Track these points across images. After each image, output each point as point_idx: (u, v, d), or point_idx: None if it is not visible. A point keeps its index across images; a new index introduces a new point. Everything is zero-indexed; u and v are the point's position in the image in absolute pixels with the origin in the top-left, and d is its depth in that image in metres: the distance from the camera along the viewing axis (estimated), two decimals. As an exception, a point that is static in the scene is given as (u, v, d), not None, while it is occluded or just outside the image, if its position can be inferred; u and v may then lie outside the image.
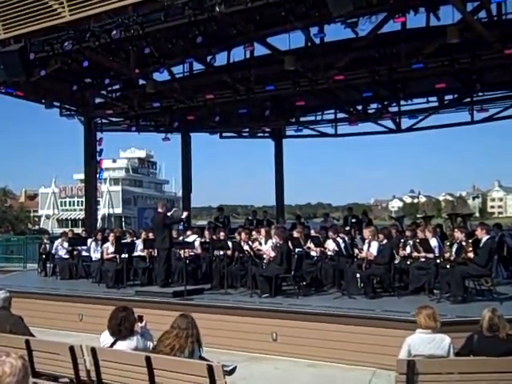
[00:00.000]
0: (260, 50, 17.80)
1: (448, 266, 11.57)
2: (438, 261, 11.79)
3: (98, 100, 22.22)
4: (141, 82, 20.16)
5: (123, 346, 6.30)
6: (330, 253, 13.91)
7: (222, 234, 15.41)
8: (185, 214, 16.02)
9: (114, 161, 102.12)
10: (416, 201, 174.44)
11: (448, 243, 12.19)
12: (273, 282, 12.62)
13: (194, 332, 5.96)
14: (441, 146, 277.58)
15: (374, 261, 12.46)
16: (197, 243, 15.11)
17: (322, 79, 17.16)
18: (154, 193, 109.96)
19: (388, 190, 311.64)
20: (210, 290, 13.74)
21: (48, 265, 18.21)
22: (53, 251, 17.61)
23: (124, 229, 34.49)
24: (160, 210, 14.33)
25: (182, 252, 13.95)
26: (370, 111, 23.32)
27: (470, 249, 11.39)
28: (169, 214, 14.48)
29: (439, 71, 16.91)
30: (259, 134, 28.32)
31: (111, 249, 15.50)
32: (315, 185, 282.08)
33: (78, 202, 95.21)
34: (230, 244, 14.20)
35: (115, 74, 19.83)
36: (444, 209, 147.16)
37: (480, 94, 21.27)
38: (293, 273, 12.70)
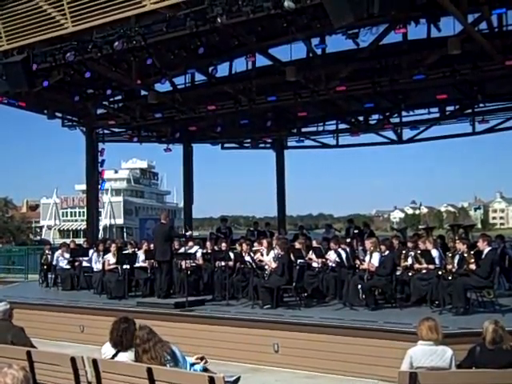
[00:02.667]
0: (261, 61, 17.91)
1: (450, 278, 11.52)
2: (440, 272, 11.75)
3: (99, 111, 22.26)
4: (143, 92, 20.23)
5: (125, 357, 6.27)
6: (331, 264, 13.87)
7: (223, 244, 15.41)
8: (188, 233, 16.24)
9: (116, 171, 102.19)
10: (417, 212, 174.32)
11: (450, 254, 12.15)
12: (274, 293, 12.57)
13: (157, 338, 5.95)
14: (442, 156, 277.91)
15: (375, 272, 12.41)
16: (198, 254, 15.09)
17: (324, 90, 17.22)
18: (156, 203, 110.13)
19: (389, 201, 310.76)
20: (212, 301, 13.71)
21: (49, 276, 18.19)
22: (54, 262, 17.58)
23: (125, 239, 34.47)
24: (163, 221, 14.38)
25: (183, 263, 13.94)
26: (371, 122, 23.32)
27: (472, 260, 11.34)
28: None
29: (440, 82, 16.96)
30: (261, 145, 28.32)
31: (113, 260, 15.46)
32: (317, 196, 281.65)
33: (79, 212, 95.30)
34: (231, 255, 14.19)
35: (117, 85, 19.91)
36: (445, 220, 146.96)
37: (481, 105, 21.30)
38: (294, 284, 12.64)
